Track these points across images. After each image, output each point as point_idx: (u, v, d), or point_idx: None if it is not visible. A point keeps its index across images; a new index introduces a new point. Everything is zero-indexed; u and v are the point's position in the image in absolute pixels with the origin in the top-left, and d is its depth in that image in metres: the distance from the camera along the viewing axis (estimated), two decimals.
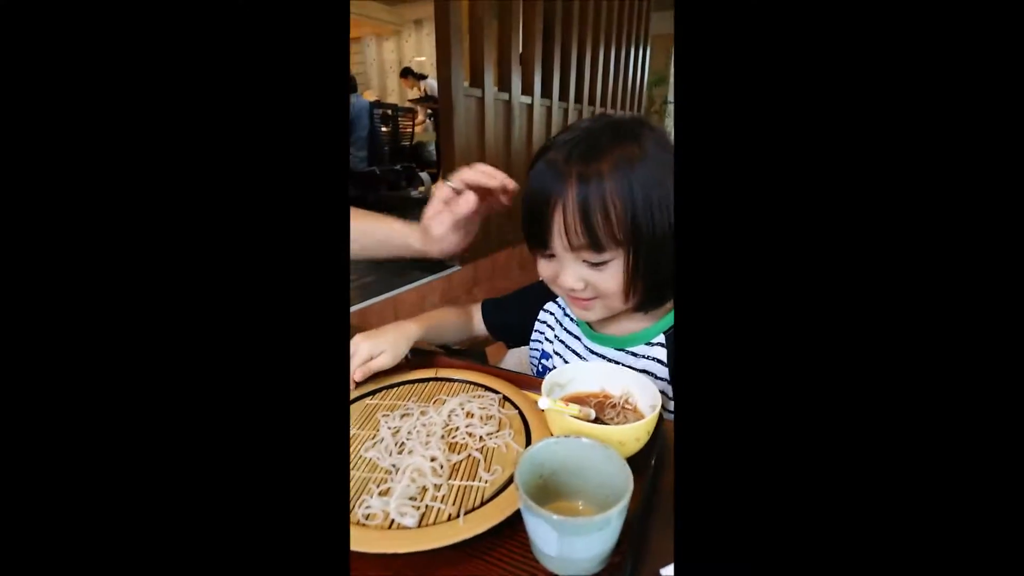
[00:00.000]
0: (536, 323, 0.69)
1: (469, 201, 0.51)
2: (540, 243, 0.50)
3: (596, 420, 0.44)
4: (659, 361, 0.55)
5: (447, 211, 0.53)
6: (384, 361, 0.52)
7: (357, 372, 0.51)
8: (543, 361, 0.67)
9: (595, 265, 0.49)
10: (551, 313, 0.67)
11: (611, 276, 0.49)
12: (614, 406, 0.46)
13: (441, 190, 0.53)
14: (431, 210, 0.54)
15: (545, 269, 0.53)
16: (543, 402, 0.39)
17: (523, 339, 0.71)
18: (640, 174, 0.46)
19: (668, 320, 0.56)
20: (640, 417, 0.43)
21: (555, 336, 0.65)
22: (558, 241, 0.49)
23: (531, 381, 0.54)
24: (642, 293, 0.51)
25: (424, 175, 3.41)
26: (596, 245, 0.47)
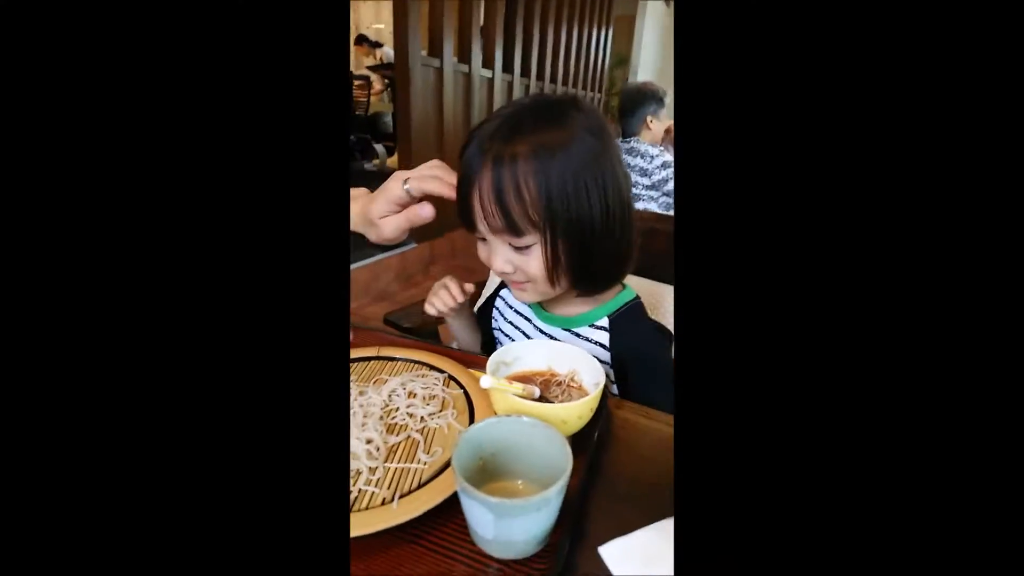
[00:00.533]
0: (493, 309, 0.68)
1: (427, 212, 0.49)
2: (468, 225, 0.50)
3: (541, 398, 0.43)
4: (602, 345, 0.56)
5: (401, 215, 0.50)
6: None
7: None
8: (497, 345, 0.66)
9: (519, 249, 0.49)
10: (503, 298, 0.67)
11: (535, 260, 0.49)
12: (560, 384, 0.46)
13: (394, 190, 0.49)
14: (381, 208, 0.50)
15: (481, 251, 0.53)
16: (485, 380, 0.38)
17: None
18: (561, 157, 0.45)
19: (612, 304, 0.57)
20: (584, 395, 0.43)
21: (505, 319, 0.65)
22: (480, 224, 0.48)
23: (479, 360, 0.53)
24: (569, 279, 0.51)
25: (379, 147, 3.28)
26: (513, 228, 0.46)
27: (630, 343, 0.55)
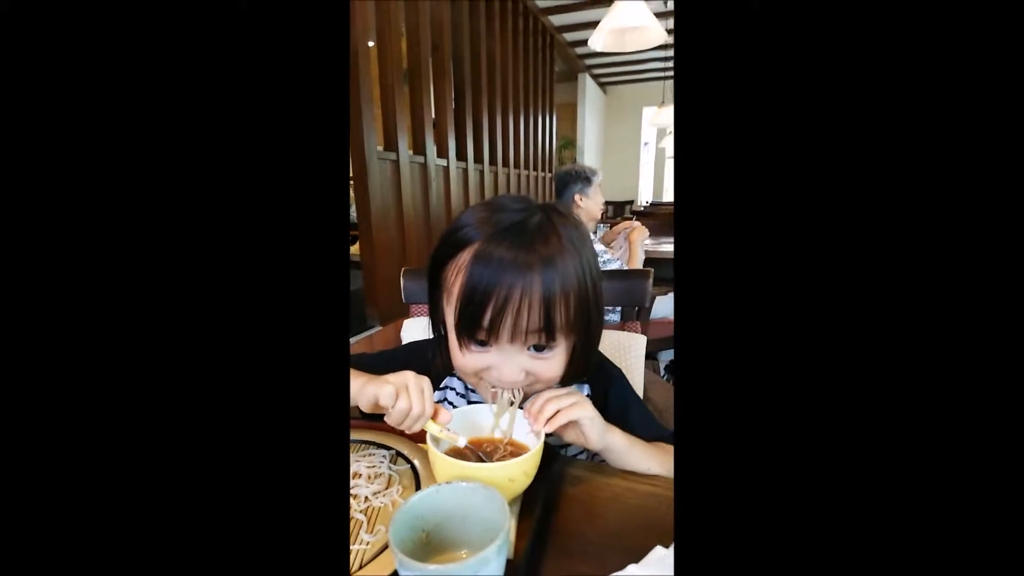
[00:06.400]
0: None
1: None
2: (487, 333, 0.44)
3: (481, 459, 0.43)
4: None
5: None
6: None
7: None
8: None
9: (540, 353, 0.46)
10: (453, 389, 0.62)
11: (555, 364, 0.47)
12: (507, 445, 0.46)
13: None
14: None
15: (474, 361, 0.47)
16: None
17: None
18: (587, 259, 0.46)
19: None
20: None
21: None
22: (504, 332, 0.44)
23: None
24: (570, 375, 0.50)
25: None
26: (550, 335, 0.44)
27: (604, 379, 0.59)
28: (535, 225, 0.45)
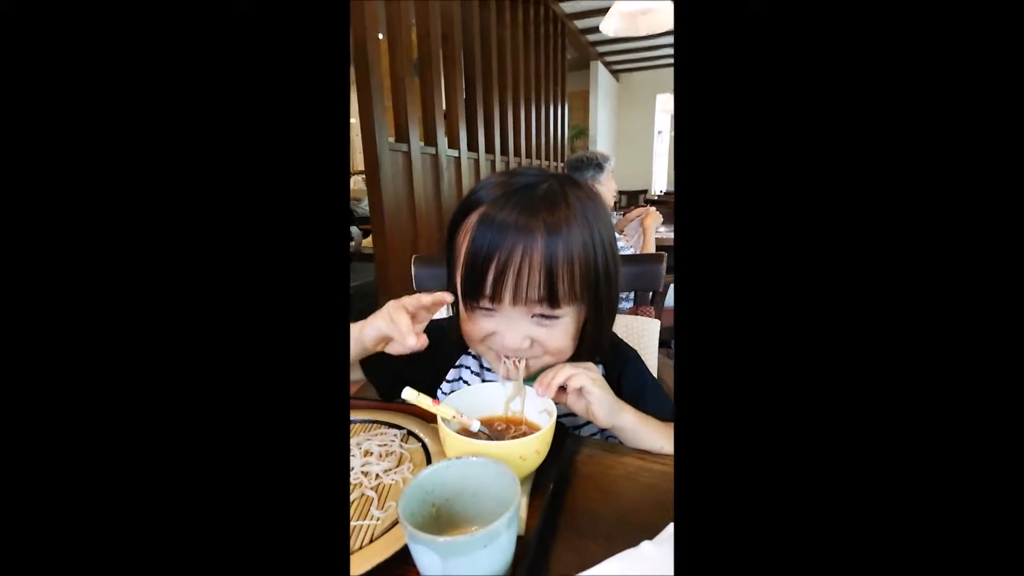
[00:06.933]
0: (445, 384, 0.62)
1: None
2: (475, 296, 0.45)
3: (491, 437, 0.43)
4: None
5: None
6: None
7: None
8: None
9: (546, 320, 0.46)
10: (468, 367, 0.61)
11: (560, 333, 0.47)
12: (520, 423, 0.45)
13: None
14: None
15: (479, 325, 0.47)
16: (408, 393, 0.41)
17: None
18: (599, 228, 0.46)
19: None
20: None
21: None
22: (506, 294, 0.44)
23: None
24: (584, 349, 0.50)
25: (355, 229, 3.38)
26: (552, 300, 0.44)
27: (619, 360, 0.58)
28: (544, 191, 0.45)
